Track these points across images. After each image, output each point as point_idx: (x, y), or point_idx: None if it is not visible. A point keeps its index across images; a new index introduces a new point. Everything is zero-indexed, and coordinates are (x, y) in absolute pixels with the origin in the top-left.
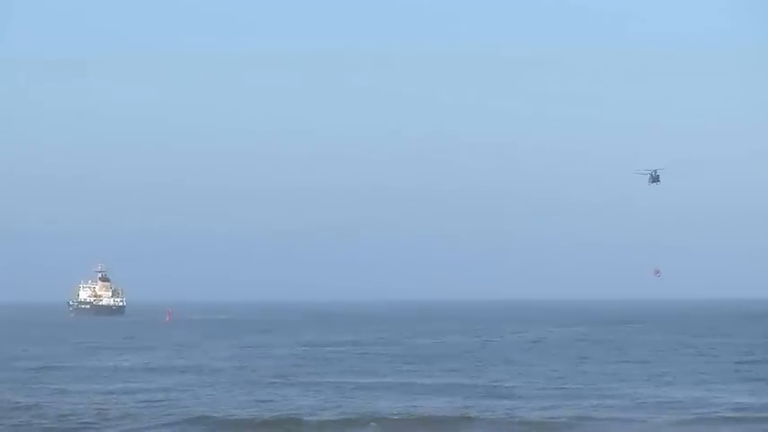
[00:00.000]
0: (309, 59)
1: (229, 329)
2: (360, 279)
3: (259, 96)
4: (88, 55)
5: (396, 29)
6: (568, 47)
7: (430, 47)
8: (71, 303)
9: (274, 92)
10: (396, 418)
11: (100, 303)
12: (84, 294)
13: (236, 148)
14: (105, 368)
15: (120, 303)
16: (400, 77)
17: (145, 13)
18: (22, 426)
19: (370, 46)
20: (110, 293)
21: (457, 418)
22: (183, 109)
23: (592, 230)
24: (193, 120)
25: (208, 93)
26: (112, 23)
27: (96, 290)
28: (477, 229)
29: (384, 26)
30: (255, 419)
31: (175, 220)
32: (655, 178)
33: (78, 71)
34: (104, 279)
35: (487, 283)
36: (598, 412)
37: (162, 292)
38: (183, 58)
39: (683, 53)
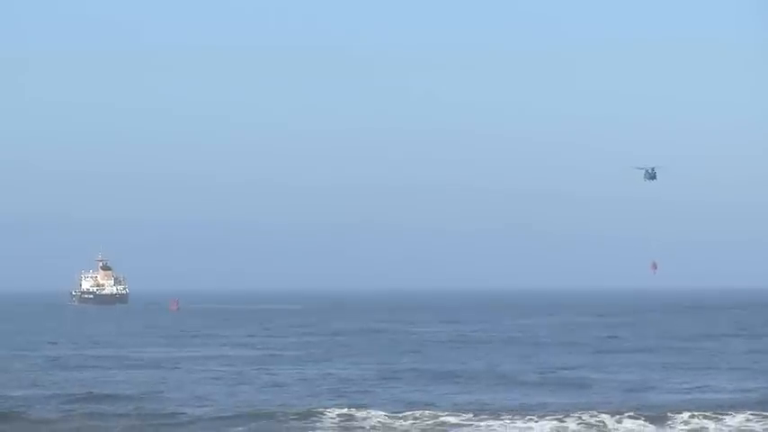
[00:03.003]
0: (311, 57)
1: (234, 318)
2: (359, 270)
3: (258, 95)
4: (93, 48)
5: (396, 27)
6: (568, 46)
7: (430, 46)
8: (74, 294)
9: (273, 90)
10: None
11: (103, 292)
12: (87, 284)
13: (235, 146)
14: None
15: (123, 291)
16: (401, 76)
17: (145, 10)
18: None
19: (372, 43)
20: (112, 282)
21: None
22: (191, 104)
23: (592, 225)
24: (200, 115)
25: (213, 88)
26: (115, 19)
27: (98, 279)
28: (477, 221)
29: (384, 25)
30: (241, 414)
31: (174, 215)
32: (652, 175)
33: (83, 66)
34: (106, 268)
35: (488, 272)
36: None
37: (159, 282)
38: (186, 55)
39: (683, 52)
